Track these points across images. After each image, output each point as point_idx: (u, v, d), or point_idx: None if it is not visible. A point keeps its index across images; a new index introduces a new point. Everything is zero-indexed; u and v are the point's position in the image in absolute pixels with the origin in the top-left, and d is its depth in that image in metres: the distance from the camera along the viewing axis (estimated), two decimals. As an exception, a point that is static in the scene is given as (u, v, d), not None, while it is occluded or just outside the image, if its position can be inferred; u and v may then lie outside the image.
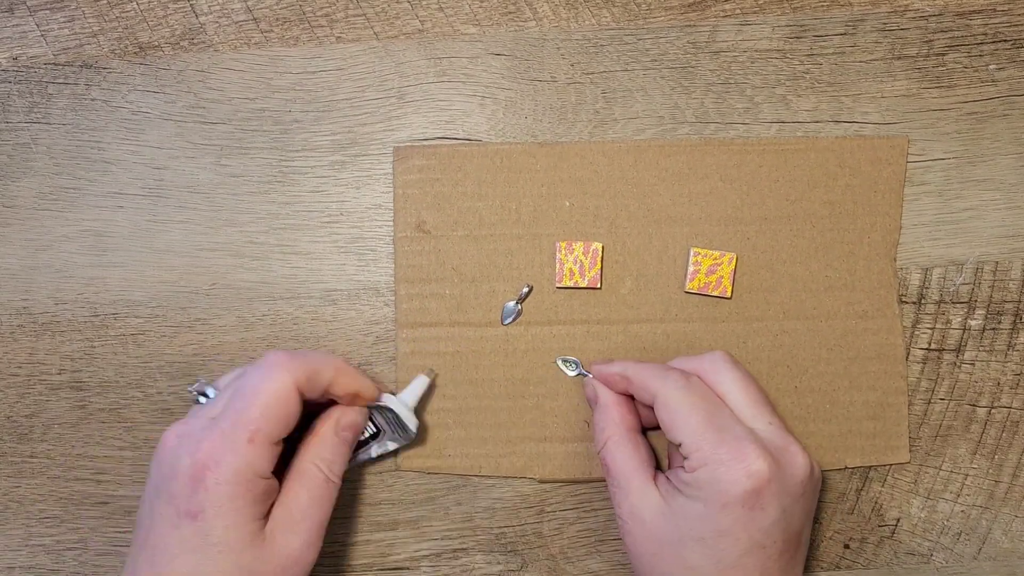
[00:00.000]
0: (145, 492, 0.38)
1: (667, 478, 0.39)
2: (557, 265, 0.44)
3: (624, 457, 0.40)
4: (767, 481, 0.36)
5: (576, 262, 0.43)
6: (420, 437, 0.44)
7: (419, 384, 0.43)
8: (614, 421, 0.41)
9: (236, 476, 0.36)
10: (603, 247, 0.44)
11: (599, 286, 0.44)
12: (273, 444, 0.37)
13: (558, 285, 0.44)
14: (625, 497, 0.39)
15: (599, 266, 0.44)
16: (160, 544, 0.36)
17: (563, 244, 0.44)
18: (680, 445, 0.38)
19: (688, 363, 0.41)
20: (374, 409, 0.41)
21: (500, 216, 0.44)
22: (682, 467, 0.38)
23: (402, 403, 0.42)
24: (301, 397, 0.38)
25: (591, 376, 0.42)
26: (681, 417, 0.38)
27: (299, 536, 0.38)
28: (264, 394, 0.37)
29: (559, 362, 0.44)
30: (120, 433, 0.44)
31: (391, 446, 0.42)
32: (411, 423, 0.42)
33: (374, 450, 0.42)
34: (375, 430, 0.42)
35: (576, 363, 0.44)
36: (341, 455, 0.40)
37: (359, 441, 0.41)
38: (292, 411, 0.38)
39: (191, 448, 0.36)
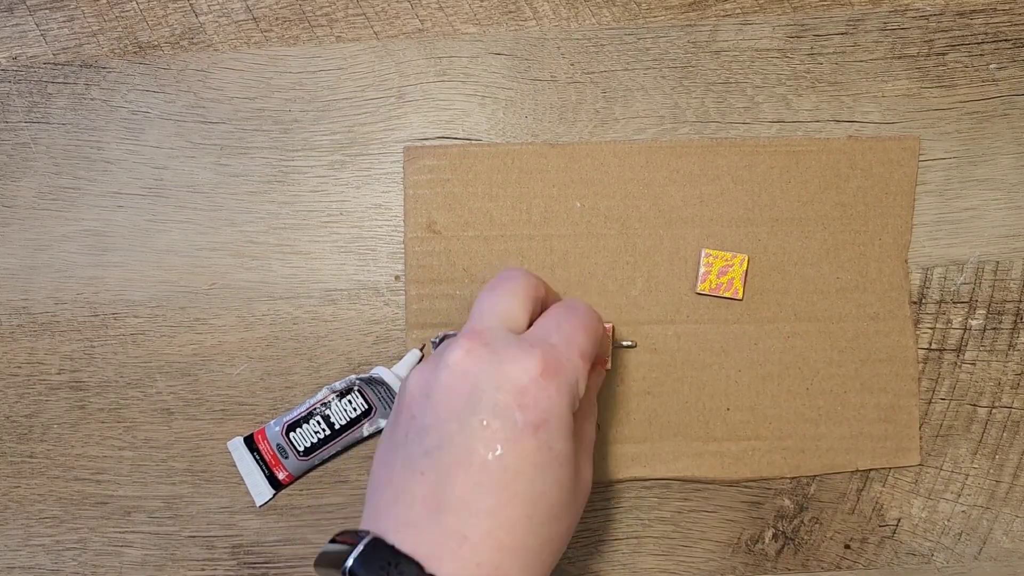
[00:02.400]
0: (422, 409, 0.34)
1: None
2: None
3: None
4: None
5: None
6: None
7: (412, 357, 0.43)
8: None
9: (572, 388, 0.34)
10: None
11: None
12: (588, 363, 0.35)
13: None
14: None
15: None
16: (496, 459, 0.32)
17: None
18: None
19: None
20: (364, 383, 0.41)
21: (511, 217, 0.44)
22: None
23: (395, 376, 0.42)
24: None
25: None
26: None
27: (588, 466, 0.37)
28: (590, 323, 0.36)
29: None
30: (120, 433, 0.44)
31: (383, 424, 0.42)
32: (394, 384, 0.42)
33: (366, 429, 0.42)
34: (366, 407, 0.42)
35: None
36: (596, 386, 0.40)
37: (349, 420, 0.41)
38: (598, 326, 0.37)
39: (518, 358, 0.33)
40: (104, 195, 0.45)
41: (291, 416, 0.42)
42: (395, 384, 0.42)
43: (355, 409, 0.42)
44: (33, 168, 0.45)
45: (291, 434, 0.42)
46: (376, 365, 0.44)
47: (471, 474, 0.32)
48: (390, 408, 0.41)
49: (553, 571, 0.44)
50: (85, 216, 0.45)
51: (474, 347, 0.34)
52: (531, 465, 0.32)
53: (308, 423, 0.42)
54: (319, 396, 0.42)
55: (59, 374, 0.44)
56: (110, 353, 0.44)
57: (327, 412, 0.42)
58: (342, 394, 0.42)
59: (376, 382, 0.42)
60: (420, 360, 0.43)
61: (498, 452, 0.32)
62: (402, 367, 0.43)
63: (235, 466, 0.44)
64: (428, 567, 0.31)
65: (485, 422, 0.32)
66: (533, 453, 0.32)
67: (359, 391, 0.42)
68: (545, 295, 0.38)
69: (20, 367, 0.45)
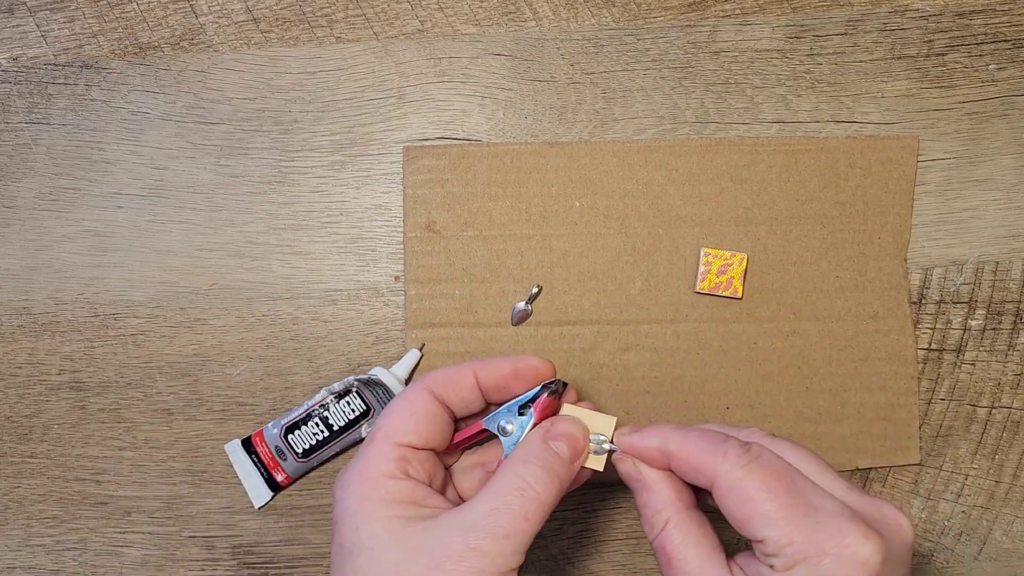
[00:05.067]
0: None
1: (741, 568, 0.32)
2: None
3: (690, 543, 0.32)
4: (881, 564, 0.29)
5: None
6: None
7: (411, 357, 0.43)
8: (669, 500, 0.33)
9: (358, 475, 0.33)
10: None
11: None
12: (397, 445, 0.33)
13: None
14: None
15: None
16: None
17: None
18: (762, 541, 0.30)
19: (728, 432, 0.34)
20: (363, 384, 0.41)
21: (510, 216, 0.44)
22: (768, 562, 0.30)
23: (393, 376, 0.42)
24: (439, 404, 0.35)
25: (619, 451, 0.34)
26: (757, 505, 0.30)
27: (466, 537, 0.30)
28: (393, 403, 0.35)
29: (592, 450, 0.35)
30: (120, 433, 0.44)
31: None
32: (392, 385, 0.42)
33: (364, 430, 0.42)
34: (365, 408, 0.42)
35: (600, 439, 0.35)
36: (549, 468, 0.32)
37: (348, 421, 0.41)
38: (422, 411, 0.34)
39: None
40: (104, 195, 0.45)
41: (289, 418, 0.42)
42: (393, 385, 0.42)
43: (354, 410, 0.42)
44: (34, 169, 0.45)
45: (290, 436, 0.42)
46: (375, 366, 0.44)
47: None
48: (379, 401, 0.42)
49: (553, 571, 0.44)
50: (85, 216, 0.45)
51: None
52: (334, 570, 0.33)
53: (307, 425, 0.42)
54: (317, 398, 0.42)
55: (59, 374, 0.45)
56: (110, 353, 0.44)
57: (325, 414, 0.42)
58: (340, 395, 0.42)
59: (375, 383, 0.42)
60: (419, 360, 0.43)
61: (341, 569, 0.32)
62: (401, 367, 0.43)
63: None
64: None
65: None
66: (333, 556, 0.33)
67: (357, 392, 0.42)
68: (472, 370, 0.35)
69: (21, 367, 0.45)
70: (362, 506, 0.32)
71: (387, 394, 0.42)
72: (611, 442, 0.34)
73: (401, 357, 0.44)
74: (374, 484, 0.33)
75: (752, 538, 0.30)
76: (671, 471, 0.33)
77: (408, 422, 0.34)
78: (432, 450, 0.35)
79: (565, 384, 0.36)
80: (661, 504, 0.33)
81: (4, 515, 0.44)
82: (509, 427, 0.35)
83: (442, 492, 0.36)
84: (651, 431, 0.34)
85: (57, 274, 0.45)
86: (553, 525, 0.44)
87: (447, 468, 0.37)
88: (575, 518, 0.44)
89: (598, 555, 0.44)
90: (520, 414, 0.35)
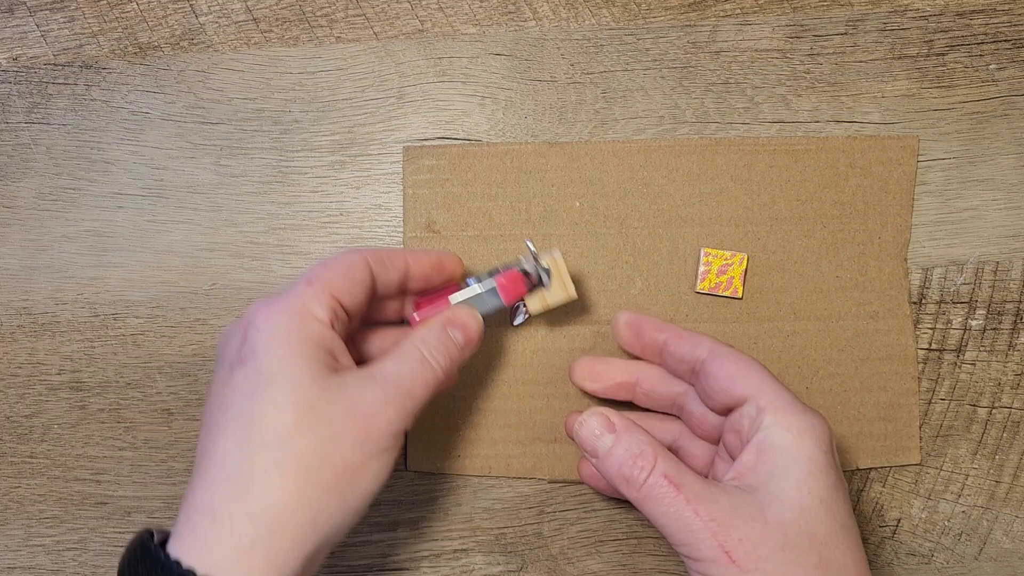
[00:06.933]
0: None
1: (728, 473, 0.35)
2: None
3: (683, 467, 0.34)
4: (830, 442, 0.35)
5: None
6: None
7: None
8: (648, 440, 0.35)
9: (288, 310, 0.33)
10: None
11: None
12: (333, 297, 0.34)
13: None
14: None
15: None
16: (213, 408, 0.33)
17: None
18: (746, 401, 0.35)
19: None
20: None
21: (510, 216, 0.44)
22: (745, 421, 0.35)
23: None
24: (371, 276, 0.36)
25: (584, 415, 0.37)
26: (747, 369, 0.36)
27: (377, 392, 0.33)
28: (331, 257, 0.36)
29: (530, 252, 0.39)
30: (120, 433, 0.44)
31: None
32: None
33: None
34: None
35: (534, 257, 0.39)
36: (444, 347, 0.36)
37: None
38: (359, 277, 0.35)
39: (257, 308, 0.34)
40: (104, 195, 0.45)
41: None
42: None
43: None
44: (33, 169, 0.45)
45: None
46: None
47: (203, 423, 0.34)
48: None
49: (553, 572, 0.44)
50: (85, 216, 0.45)
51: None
52: (242, 395, 0.32)
53: None
54: None
55: (59, 374, 0.45)
56: (110, 353, 0.44)
57: None
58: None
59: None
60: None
61: (220, 395, 0.33)
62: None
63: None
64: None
65: (215, 377, 0.34)
66: (242, 383, 0.32)
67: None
68: (405, 257, 0.38)
69: (20, 367, 0.45)
70: (289, 339, 0.33)
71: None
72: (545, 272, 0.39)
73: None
74: (305, 323, 0.33)
75: (740, 393, 0.35)
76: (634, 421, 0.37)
77: (346, 282, 0.35)
78: (350, 317, 0.36)
79: (540, 275, 0.39)
80: (643, 444, 0.35)
81: (4, 515, 0.44)
82: (475, 284, 0.39)
83: None
84: (651, 323, 0.40)
85: (57, 274, 0.45)
86: (553, 525, 0.44)
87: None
88: (575, 518, 0.44)
89: (598, 555, 0.44)
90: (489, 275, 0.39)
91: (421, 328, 0.37)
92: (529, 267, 0.39)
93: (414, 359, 0.35)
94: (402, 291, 0.39)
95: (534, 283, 0.40)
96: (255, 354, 0.33)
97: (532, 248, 0.39)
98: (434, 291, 0.40)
